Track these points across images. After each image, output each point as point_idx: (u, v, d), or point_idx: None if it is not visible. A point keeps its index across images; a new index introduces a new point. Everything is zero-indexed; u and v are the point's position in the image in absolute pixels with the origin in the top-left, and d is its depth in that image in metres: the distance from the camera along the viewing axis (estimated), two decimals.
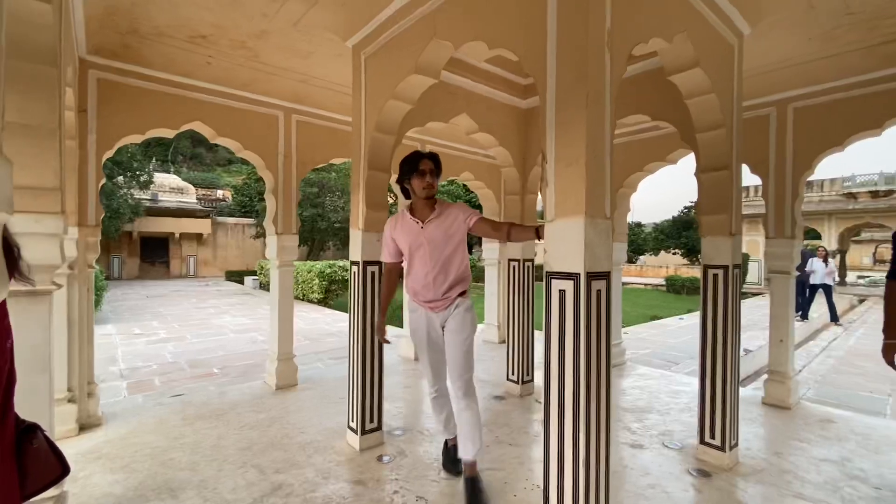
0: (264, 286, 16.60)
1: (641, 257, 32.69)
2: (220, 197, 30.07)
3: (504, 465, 2.65)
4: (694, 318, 10.92)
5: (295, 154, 4.06)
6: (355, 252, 2.86)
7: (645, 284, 23.06)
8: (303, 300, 12.37)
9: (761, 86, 3.48)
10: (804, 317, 10.32)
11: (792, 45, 2.97)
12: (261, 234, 19.73)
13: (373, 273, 2.84)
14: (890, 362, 2.28)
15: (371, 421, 2.84)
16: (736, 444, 2.70)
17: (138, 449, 2.82)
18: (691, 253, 27.71)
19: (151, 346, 6.82)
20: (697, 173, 2.71)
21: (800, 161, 3.56)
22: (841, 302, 14.67)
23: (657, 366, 5.67)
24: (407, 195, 2.45)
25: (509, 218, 3.94)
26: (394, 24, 2.49)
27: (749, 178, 3.59)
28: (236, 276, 20.69)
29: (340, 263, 12.58)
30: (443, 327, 2.33)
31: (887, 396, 5.12)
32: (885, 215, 18.97)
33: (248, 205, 25.97)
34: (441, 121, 3.26)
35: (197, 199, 24.33)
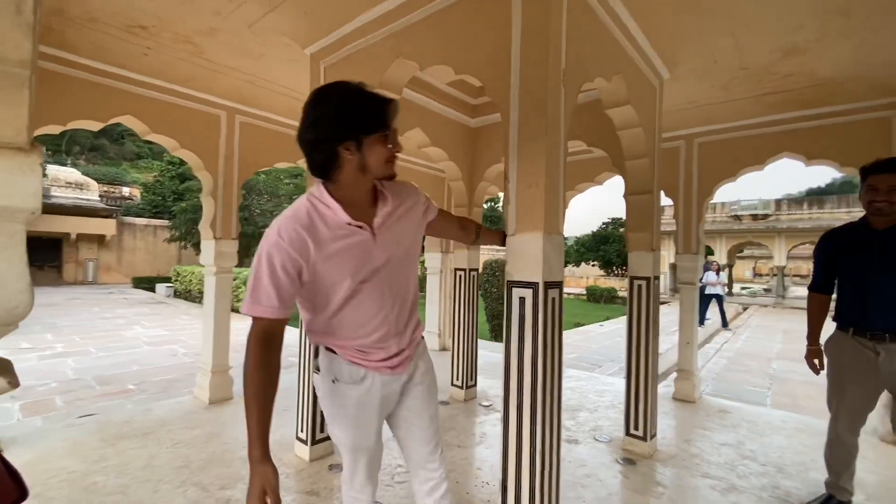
0: (180, 294, 15.30)
1: (565, 268, 34.81)
2: (127, 195, 27.20)
3: (455, 466, 2.77)
4: (612, 325, 11.93)
5: (237, 156, 3.91)
6: None
7: (568, 294, 24.62)
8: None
9: (674, 122, 4.01)
10: (701, 322, 11.74)
11: (699, 90, 3.48)
12: (176, 238, 18.17)
13: None
14: (812, 366, 2.38)
15: (322, 430, 2.82)
16: (655, 435, 3.07)
17: (52, 475, 2.54)
18: (608, 265, 30.10)
19: (46, 362, 6.03)
20: (626, 195, 3.07)
21: (703, 188, 4.15)
22: (729, 309, 16.81)
23: (583, 368, 6.16)
24: (326, 172, 1.24)
25: None
26: (358, 37, 2.56)
27: (662, 200, 4.15)
28: (146, 283, 18.80)
29: None
30: (401, 392, 1.43)
31: (767, 389, 6.02)
32: (763, 235, 22.13)
33: (162, 205, 23.81)
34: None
35: (99, 196, 21.80)
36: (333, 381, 1.34)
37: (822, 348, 2.35)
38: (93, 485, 2.45)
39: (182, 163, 19.32)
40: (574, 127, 3.34)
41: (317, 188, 1.28)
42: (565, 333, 10.41)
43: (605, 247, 30.08)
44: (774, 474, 2.79)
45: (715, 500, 2.47)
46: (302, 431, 2.82)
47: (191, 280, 14.65)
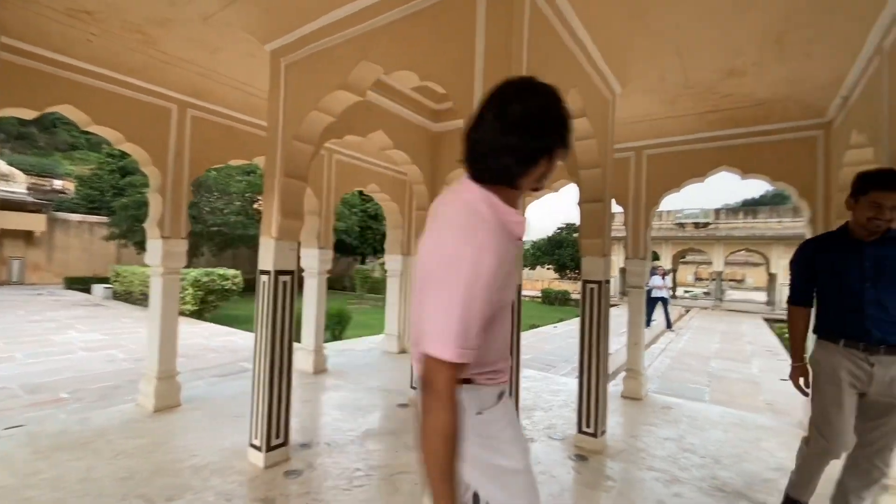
0: (120, 296, 14.32)
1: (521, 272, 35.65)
2: (60, 188, 25.13)
3: (414, 467, 2.78)
4: (565, 326, 12.33)
5: (188, 151, 3.74)
6: (266, 261, 2.77)
7: (524, 296, 25.14)
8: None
9: (625, 134, 4.24)
10: (647, 324, 12.46)
11: (648, 106, 3.70)
12: (116, 236, 16.97)
13: (285, 283, 2.78)
14: (798, 387, 2.26)
15: (277, 437, 2.75)
16: (605, 431, 3.23)
17: None
18: (562, 268, 31.09)
19: None
20: (580, 203, 3.22)
21: (650, 197, 4.41)
22: (672, 312, 17.80)
23: (538, 369, 6.33)
24: (513, 179, 1.07)
25: (420, 232, 4.12)
26: (321, 37, 2.54)
27: (613, 207, 4.41)
28: (80, 284, 17.42)
29: (220, 272, 11.45)
30: None
31: (706, 387, 6.45)
32: (704, 242, 23.66)
33: (99, 200, 22.16)
34: (359, 135, 3.35)
35: (27, 188, 20.00)
36: (478, 413, 1.10)
37: (808, 364, 2.23)
38: (26, 500, 2.27)
39: (124, 155, 18.10)
40: None
41: (489, 196, 1.05)
42: (522, 335, 10.65)
43: (560, 251, 31.06)
44: (712, 466, 3.00)
45: (659, 491, 2.63)
46: (256, 438, 2.73)
47: (132, 281, 13.72)
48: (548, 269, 33.81)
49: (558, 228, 34.32)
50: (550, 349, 8.76)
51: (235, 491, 2.44)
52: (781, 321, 16.64)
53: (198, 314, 10.86)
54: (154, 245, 3.67)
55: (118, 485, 2.44)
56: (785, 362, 8.51)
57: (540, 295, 23.49)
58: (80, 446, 2.89)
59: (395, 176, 5.64)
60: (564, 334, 10.84)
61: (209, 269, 11.46)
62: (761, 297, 27.91)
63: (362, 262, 25.54)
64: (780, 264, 21.04)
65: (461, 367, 0.97)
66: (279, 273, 2.74)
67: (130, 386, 4.81)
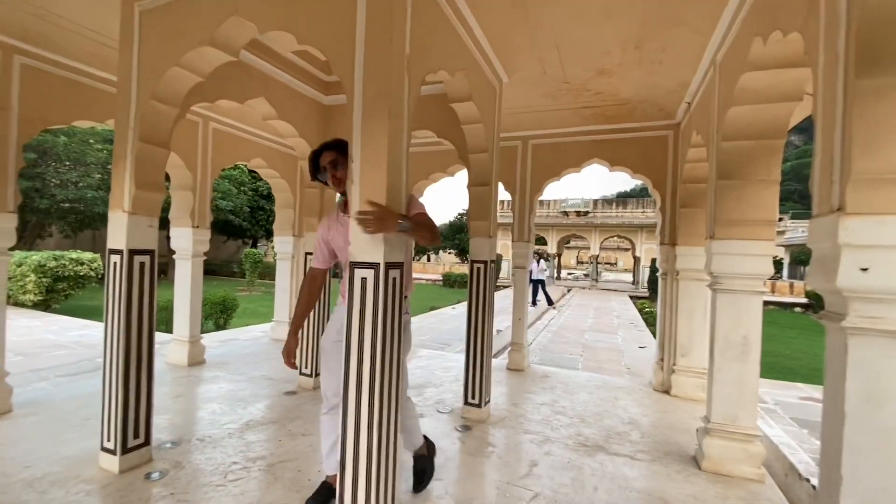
0: None
1: (424, 256, 36.27)
2: None
3: (297, 455, 2.69)
4: (463, 307, 12.85)
5: (17, 108, 3.06)
6: (117, 239, 2.41)
7: (426, 280, 25.61)
8: (6, 303, 9.04)
9: (512, 124, 4.47)
10: (533, 303, 13.83)
11: (532, 97, 3.93)
12: None
13: (142, 264, 2.45)
14: None
15: (136, 437, 2.44)
16: (488, 401, 3.44)
17: None
18: (463, 253, 32.23)
19: None
20: (469, 186, 3.33)
21: (534, 184, 4.73)
22: (555, 292, 19.54)
23: (434, 348, 6.52)
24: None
25: (309, 211, 3.91)
26: None
27: (502, 194, 4.65)
28: None
29: (73, 255, 9.73)
30: None
31: (580, 356, 7.22)
32: (584, 229, 26.29)
33: None
34: (235, 101, 3.03)
35: None
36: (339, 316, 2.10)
37: None
38: None
39: None
40: (424, 117, 3.48)
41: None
42: (421, 316, 10.87)
43: (461, 235, 32.14)
44: (578, 424, 3.38)
45: (533, 451, 2.89)
46: (109, 441, 2.40)
47: None
48: (449, 253, 34.79)
49: (459, 214, 35.36)
50: (447, 329, 9.07)
51: (81, 502, 2.12)
52: (643, 298, 19.27)
53: (43, 305, 9.16)
54: None
55: None
56: (643, 332, 9.85)
57: (441, 279, 24.10)
58: None
59: (283, 150, 5.26)
60: (461, 315, 11.27)
61: (59, 253, 9.69)
62: (629, 277, 31.98)
63: (253, 246, 23.72)
64: (643, 249, 24.26)
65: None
66: (134, 252, 2.40)
67: None
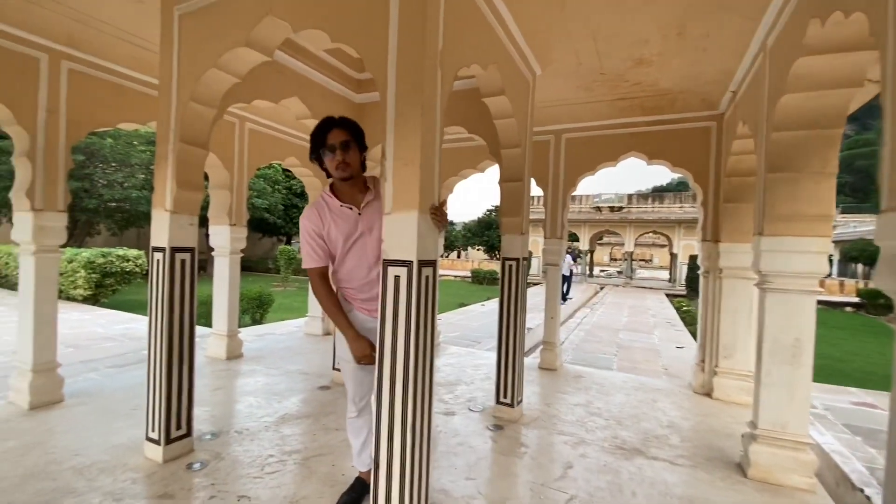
0: None
1: (453, 253, 36.33)
2: None
3: (332, 449, 2.72)
4: (492, 304, 12.76)
5: (65, 111, 3.22)
6: (160, 237, 2.49)
7: (454, 276, 25.61)
8: (59, 297, 9.64)
9: (545, 117, 4.37)
10: (563, 300, 13.74)
11: (566, 90, 3.82)
12: None
13: (182, 261, 2.52)
14: None
15: (178, 428, 2.53)
16: (521, 401, 3.38)
17: None
18: (491, 249, 32.06)
19: None
20: (500, 182, 3.27)
21: (568, 179, 4.61)
22: (588, 289, 19.14)
23: (464, 345, 6.49)
24: (328, 174, 1.96)
25: None
26: None
27: (534, 190, 4.54)
28: None
29: (120, 252, 10.25)
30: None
31: (614, 356, 7.03)
32: (618, 225, 25.59)
33: None
34: (270, 100, 3.08)
35: None
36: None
37: None
38: None
39: None
40: (454, 113, 3.44)
41: (325, 185, 2.04)
42: (450, 313, 10.86)
43: (489, 232, 31.95)
44: (615, 427, 3.27)
45: (567, 453, 2.82)
46: (153, 431, 2.49)
47: (7, 263, 11.87)
48: (478, 250, 34.68)
49: (487, 210, 35.16)
50: (477, 326, 9.02)
51: (128, 489, 2.21)
52: (680, 296, 18.61)
53: (93, 299, 9.69)
54: (22, 219, 3.16)
55: None
56: (681, 332, 9.51)
57: (470, 275, 24.04)
58: None
59: None
60: (491, 312, 11.20)
61: (107, 250, 10.23)
62: (665, 275, 30.93)
63: (287, 243, 24.34)
64: (681, 245, 23.39)
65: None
66: (176, 250, 2.48)
67: (2, 382, 4.18)
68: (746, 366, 3.81)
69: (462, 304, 12.73)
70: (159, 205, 2.51)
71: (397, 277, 1.79)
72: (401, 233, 1.77)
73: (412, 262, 1.76)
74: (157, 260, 2.49)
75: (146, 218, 14.51)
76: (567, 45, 3.08)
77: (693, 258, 20.47)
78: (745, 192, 3.69)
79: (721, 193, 3.87)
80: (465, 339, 7.51)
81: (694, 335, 8.87)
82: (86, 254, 9.74)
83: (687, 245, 22.84)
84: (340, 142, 1.86)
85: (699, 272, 4.29)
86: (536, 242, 22.59)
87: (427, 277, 1.85)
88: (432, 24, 1.81)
